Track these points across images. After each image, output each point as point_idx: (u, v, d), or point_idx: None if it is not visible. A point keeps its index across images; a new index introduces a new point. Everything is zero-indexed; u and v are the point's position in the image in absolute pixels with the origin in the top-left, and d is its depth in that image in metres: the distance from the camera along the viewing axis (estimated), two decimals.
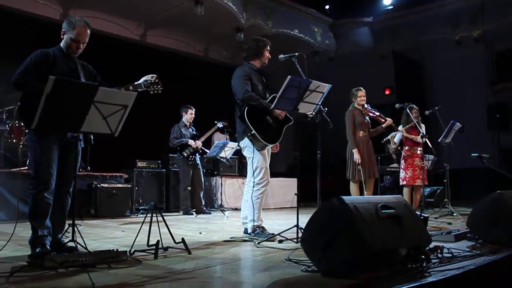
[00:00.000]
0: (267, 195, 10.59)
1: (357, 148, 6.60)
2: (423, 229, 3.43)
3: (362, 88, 6.90)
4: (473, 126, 9.03)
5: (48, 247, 3.52)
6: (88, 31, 3.76)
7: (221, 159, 9.17)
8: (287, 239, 4.60)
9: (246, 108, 4.86)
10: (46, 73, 3.46)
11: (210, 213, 8.59)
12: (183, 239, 4.01)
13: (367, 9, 14.11)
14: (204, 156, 8.91)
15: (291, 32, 12.83)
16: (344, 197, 3.09)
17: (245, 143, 5.00)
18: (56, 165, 3.63)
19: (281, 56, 5.05)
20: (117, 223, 6.64)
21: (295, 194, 4.82)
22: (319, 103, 4.82)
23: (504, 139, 12.38)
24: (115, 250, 3.59)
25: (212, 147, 8.64)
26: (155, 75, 3.94)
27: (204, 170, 9.10)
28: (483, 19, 12.19)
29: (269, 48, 5.28)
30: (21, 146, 7.49)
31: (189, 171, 8.41)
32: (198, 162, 8.57)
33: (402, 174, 7.44)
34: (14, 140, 7.60)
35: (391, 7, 14.01)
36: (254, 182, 5.01)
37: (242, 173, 10.50)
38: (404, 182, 7.36)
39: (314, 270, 3.16)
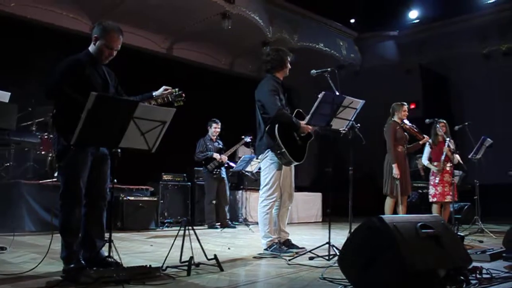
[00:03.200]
0: (291, 210, 10.62)
1: (396, 163, 6.53)
2: (463, 249, 3.35)
3: (405, 103, 6.87)
4: (502, 142, 8.82)
5: (83, 262, 3.49)
6: (121, 38, 3.69)
7: (246, 173, 9.16)
8: (318, 256, 4.53)
9: (277, 125, 4.80)
10: (79, 81, 3.45)
11: (235, 227, 8.55)
12: (215, 255, 3.97)
13: (392, 22, 14.04)
14: (230, 170, 8.89)
15: (317, 46, 12.85)
16: (384, 216, 3.03)
17: (266, 155, 4.95)
18: (86, 179, 3.56)
19: (313, 71, 4.98)
20: (144, 236, 6.64)
21: (328, 210, 4.73)
22: (352, 119, 4.77)
23: None
24: (148, 266, 3.57)
25: (239, 161, 8.62)
26: (174, 88, 3.95)
27: (229, 184, 9.06)
28: None
29: (289, 60, 5.21)
30: (49, 158, 7.58)
31: (214, 185, 8.40)
32: (224, 175, 8.55)
33: (432, 190, 7.29)
34: (43, 152, 7.70)
35: (417, 20, 13.91)
36: (264, 196, 4.99)
37: None
38: (435, 199, 7.21)
39: None
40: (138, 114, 3.02)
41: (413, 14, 13.95)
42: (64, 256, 3.49)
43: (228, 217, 8.61)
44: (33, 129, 7.71)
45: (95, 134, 2.99)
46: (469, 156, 7.50)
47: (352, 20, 14.22)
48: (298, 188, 11.44)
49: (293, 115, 4.97)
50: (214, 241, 6.28)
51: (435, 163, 7.29)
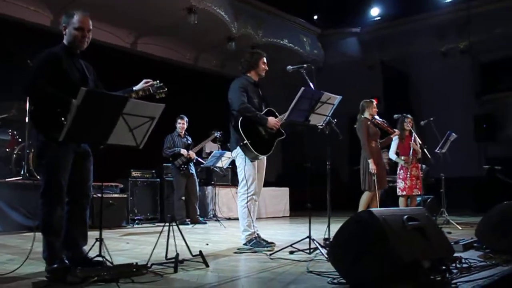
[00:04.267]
0: (259, 205, 10.66)
1: (372, 159, 6.67)
2: (446, 240, 3.47)
3: (373, 100, 7.04)
4: (460, 137, 9.14)
5: (66, 261, 3.40)
6: (88, 17, 3.56)
7: (215, 168, 9.14)
8: (298, 250, 4.59)
9: (241, 118, 4.93)
10: (56, 75, 3.37)
11: (206, 223, 8.54)
12: (200, 251, 3.97)
13: (355, 20, 14.29)
14: (201, 165, 8.86)
15: (281, 42, 12.93)
16: (372, 210, 3.12)
17: (237, 152, 5.07)
18: (68, 177, 3.45)
19: (289, 67, 5.08)
20: (116, 234, 6.54)
21: (308, 205, 4.80)
22: (329, 115, 4.84)
23: (490, 150, 12.61)
24: (134, 263, 3.54)
25: (210, 157, 8.60)
26: (155, 81, 3.93)
27: (198, 180, 9.03)
28: (469, 31, 12.44)
29: (265, 60, 5.33)
30: (14, 155, 7.34)
31: (183, 181, 8.34)
32: (193, 171, 8.52)
33: (401, 184, 7.48)
34: (7, 149, 7.46)
35: (379, 18, 14.20)
36: (242, 191, 5.09)
37: (235, 183, 10.49)
38: (404, 193, 7.41)
39: (340, 282, 3.16)
40: (128, 110, 2.97)
41: (375, 12, 14.22)
42: (47, 256, 3.39)
43: (198, 213, 8.59)
44: None
45: (83, 130, 2.93)
46: (436, 150, 7.73)
47: (315, 17, 14.37)
48: (265, 184, 11.56)
49: (263, 113, 5.08)
50: (189, 237, 6.16)
51: (403, 157, 7.49)
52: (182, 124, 8.58)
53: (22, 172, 7.06)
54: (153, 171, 8.99)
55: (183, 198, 8.38)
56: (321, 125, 4.89)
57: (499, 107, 12.73)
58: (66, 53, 3.54)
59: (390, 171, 9.00)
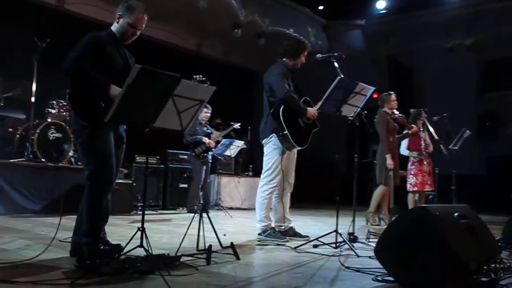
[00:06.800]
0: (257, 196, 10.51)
1: (390, 154, 6.55)
2: (494, 239, 3.36)
3: (392, 93, 6.86)
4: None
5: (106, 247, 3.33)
6: (146, 17, 3.47)
7: (219, 157, 8.94)
8: (323, 243, 4.47)
9: (282, 107, 4.71)
10: (99, 58, 3.27)
11: (208, 212, 8.34)
12: (232, 243, 3.81)
13: (360, 12, 14.12)
14: (209, 153, 8.67)
15: (287, 31, 12.69)
16: (426, 206, 2.99)
17: (270, 140, 4.88)
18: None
19: (319, 55, 4.97)
20: (125, 221, 6.35)
21: (337, 198, 4.66)
22: (361, 106, 4.70)
23: (493, 147, 12.60)
24: (166, 254, 3.38)
25: (219, 145, 8.39)
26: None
27: None
28: (477, 28, 12.37)
29: (306, 54, 5.14)
30: (17, 136, 7.09)
31: (202, 170, 8.12)
32: (210, 160, 8.30)
33: (412, 179, 7.35)
34: (10, 129, 7.21)
35: (385, 11, 14.05)
36: (264, 181, 4.94)
37: (238, 172, 10.34)
38: (415, 188, 7.29)
39: (385, 280, 3.05)
40: (178, 91, 2.77)
41: (381, 4, 14.06)
42: (88, 242, 3.25)
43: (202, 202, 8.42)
44: (1, 105, 7.17)
45: (131, 111, 2.73)
46: (449, 147, 7.64)
47: (321, 7, 14.18)
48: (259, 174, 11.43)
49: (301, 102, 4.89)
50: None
51: (415, 153, 7.37)
52: (206, 113, 8.32)
53: (26, 154, 6.80)
54: (158, 157, 8.77)
55: (201, 187, 8.22)
56: (351, 117, 4.74)
57: (503, 105, 12.71)
58: (112, 39, 3.43)
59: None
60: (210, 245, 3.57)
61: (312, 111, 4.80)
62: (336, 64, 4.75)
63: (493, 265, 3.44)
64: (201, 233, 3.92)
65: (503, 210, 8.68)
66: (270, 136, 4.84)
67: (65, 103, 7.49)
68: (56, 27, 8.58)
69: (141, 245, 2.95)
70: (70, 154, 7.24)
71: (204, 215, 4.06)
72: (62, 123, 7.22)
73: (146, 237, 3.03)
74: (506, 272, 3.35)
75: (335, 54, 4.83)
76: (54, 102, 7.42)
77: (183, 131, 3.03)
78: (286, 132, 4.67)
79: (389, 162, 6.54)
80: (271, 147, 4.87)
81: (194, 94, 2.87)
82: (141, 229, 3.02)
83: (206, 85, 3.00)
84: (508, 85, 12.64)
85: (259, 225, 4.97)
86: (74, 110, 3.31)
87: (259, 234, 4.93)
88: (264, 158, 4.96)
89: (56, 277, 2.83)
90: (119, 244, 3.43)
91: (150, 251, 3.01)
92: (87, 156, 3.30)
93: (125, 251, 3.06)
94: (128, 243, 3.03)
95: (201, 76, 3.74)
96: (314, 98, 4.95)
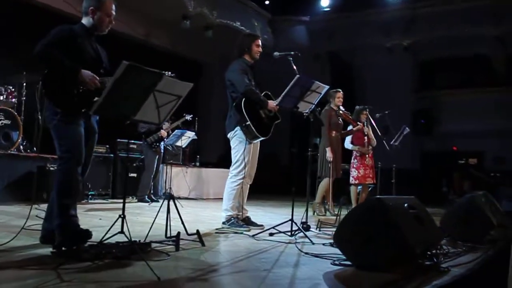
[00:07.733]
0: (207, 186, 10.67)
1: (330, 147, 6.91)
2: (437, 227, 3.76)
3: (339, 90, 7.22)
4: (397, 130, 9.67)
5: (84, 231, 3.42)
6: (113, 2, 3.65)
7: (168, 146, 9.05)
8: (279, 232, 4.75)
9: (243, 100, 4.97)
10: (70, 49, 3.38)
11: (158, 201, 8.45)
12: (198, 230, 4.02)
13: (305, 8, 14.47)
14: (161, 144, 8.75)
15: (234, 24, 12.86)
16: (381, 197, 3.32)
17: (236, 133, 5.11)
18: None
19: (276, 53, 5.26)
20: (79, 209, 6.33)
21: (292, 189, 4.95)
22: (315, 103, 5.01)
23: (427, 144, 13.43)
24: (138, 241, 3.53)
25: (171, 135, 8.50)
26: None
27: None
28: (413, 30, 13.09)
29: (259, 43, 5.38)
30: None
31: (154, 159, 8.22)
32: (162, 150, 8.41)
33: (354, 173, 7.79)
34: None
35: (328, 9, 14.48)
36: (234, 173, 5.16)
37: (185, 162, 10.48)
38: (357, 181, 7.74)
39: (343, 264, 3.37)
40: (160, 87, 2.96)
41: (325, 2, 14.46)
42: (60, 223, 3.34)
43: (152, 191, 8.53)
44: None
45: (115, 104, 2.88)
46: (391, 143, 8.13)
47: (267, 2, 14.42)
48: (206, 164, 11.60)
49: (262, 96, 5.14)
50: (161, 216, 6.20)
51: (358, 147, 7.81)
52: None
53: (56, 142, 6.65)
54: (107, 146, 8.75)
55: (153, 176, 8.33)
56: (306, 113, 5.04)
57: (436, 104, 13.55)
58: (84, 32, 3.55)
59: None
60: (179, 232, 3.77)
61: (272, 104, 5.06)
62: (292, 63, 5.05)
63: (434, 251, 3.89)
64: (164, 221, 4.09)
65: (437, 203, 9.36)
66: (235, 129, 5.07)
67: (13, 89, 7.36)
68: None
69: (121, 231, 3.10)
70: (19, 141, 7.13)
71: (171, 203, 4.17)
72: (11, 109, 7.10)
73: (127, 224, 3.17)
74: (445, 257, 3.79)
75: (292, 53, 5.14)
76: (2, 88, 7.27)
77: (160, 124, 3.21)
78: (248, 123, 4.92)
79: (329, 154, 6.94)
80: (237, 140, 5.11)
81: (173, 90, 3.07)
82: (122, 216, 3.16)
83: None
84: (441, 84, 13.51)
85: (224, 214, 5.18)
86: (47, 96, 3.37)
87: (223, 222, 5.15)
88: (232, 152, 5.19)
89: (38, 262, 2.94)
90: (87, 230, 3.52)
91: (130, 238, 3.16)
92: (59, 138, 3.40)
93: (99, 238, 3.20)
94: (109, 230, 3.16)
95: (170, 72, 3.91)
96: (273, 94, 5.23)
